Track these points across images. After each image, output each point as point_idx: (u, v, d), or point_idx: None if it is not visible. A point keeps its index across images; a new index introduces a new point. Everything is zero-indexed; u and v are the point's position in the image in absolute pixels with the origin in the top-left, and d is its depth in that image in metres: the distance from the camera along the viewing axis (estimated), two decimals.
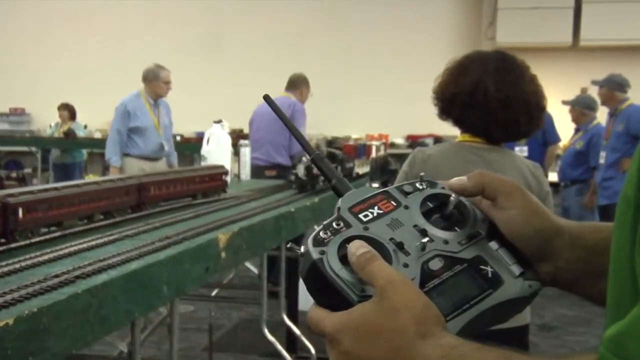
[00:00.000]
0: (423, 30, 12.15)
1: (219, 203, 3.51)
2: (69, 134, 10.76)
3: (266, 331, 4.10)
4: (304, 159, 3.96)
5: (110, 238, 2.42)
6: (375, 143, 8.53)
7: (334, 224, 0.86)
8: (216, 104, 11.12)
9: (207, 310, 5.45)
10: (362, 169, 5.75)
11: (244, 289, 6.02)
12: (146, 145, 6.87)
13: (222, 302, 5.75)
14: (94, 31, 12.49)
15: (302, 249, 0.84)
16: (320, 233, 0.84)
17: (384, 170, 5.42)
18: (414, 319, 0.73)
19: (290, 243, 0.89)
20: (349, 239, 0.83)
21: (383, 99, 11.93)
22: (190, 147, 10.44)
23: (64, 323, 1.62)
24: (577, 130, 7.57)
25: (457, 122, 2.51)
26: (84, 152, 11.15)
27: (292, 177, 4.02)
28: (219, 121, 4.67)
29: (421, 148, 2.57)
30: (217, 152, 4.46)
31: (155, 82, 6.96)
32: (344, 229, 0.85)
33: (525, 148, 7.58)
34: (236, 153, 5.07)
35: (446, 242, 0.86)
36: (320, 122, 11.55)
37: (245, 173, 5.04)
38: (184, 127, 11.64)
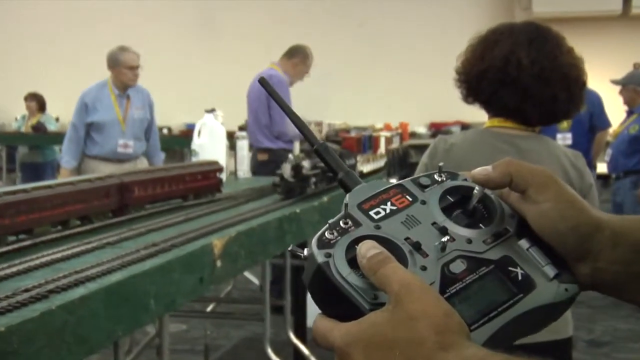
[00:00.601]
0: (448, 2, 12.16)
1: (213, 204, 3.53)
2: (39, 128, 10.79)
3: (270, 352, 4.12)
4: (290, 156, 3.82)
5: (89, 246, 2.45)
6: (385, 134, 7.68)
7: (341, 222, 0.86)
8: (209, 91, 11.15)
9: (202, 328, 5.48)
10: (367, 166, 5.49)
11: (244, 304, 6.05)
12: (105, 144, 6.59)
13: (219, 318, 5.77)
14: (68, 9, 12.54)
15: (306, 251, 0.85)
16: (326, 233, 0.85)
17: (403, 163, 5.43)
18: (433, 328, 0.74)
19: (292, 246, 0.90)
20: (359, 240, 0.83)
21: (402, 82, 11.94)
22: (179, 141, 10.49)
23: (37, 344, 1.64)
24: (630, 113, 7.52)
25: (486, 104, 2.51)
26: (57, 149, 11.17)
27: (277, 180, 3.73)
28: (212, 110, 4.69)
29: (443, 136, 2.57)
30: (210, 146, 4.48)
31: (116, 68, 6.66)
32: (352, 228, 0.85)
33: (569, 135, 7.56)
34: (232, 147, 5.09)
35: (469, 241, 0.86)
36: (327, 109, 11.59)
37: (243, 170, 5.05)
38: (172, 119, 11.69)
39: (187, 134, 9.74)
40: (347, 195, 0.91)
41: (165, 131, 11.84)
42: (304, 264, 0.88)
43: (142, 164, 6.73)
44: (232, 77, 11.39)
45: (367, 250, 0.80)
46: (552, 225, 0.86)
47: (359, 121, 11.43)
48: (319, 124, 8.83)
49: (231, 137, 5.29)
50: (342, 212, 0.88)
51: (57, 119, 11.61)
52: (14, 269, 2.13)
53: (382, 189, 0.91)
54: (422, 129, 12.13)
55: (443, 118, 11.73)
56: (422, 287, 0.77)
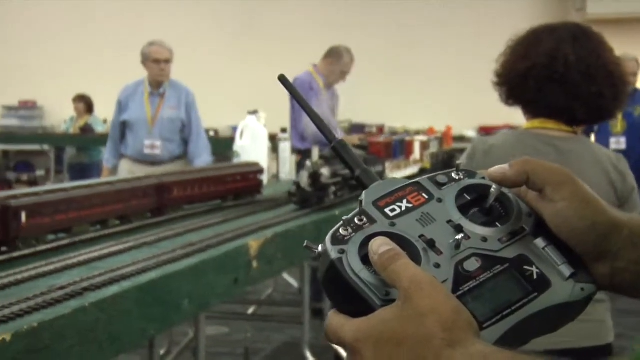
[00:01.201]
0: (500, 3, 12.06)
1: (252, 206, 3.56)
2: (86, 130, 10.97)
3: (309, 356, 4.13)
4: (307, 163, 3.54)
5: (126, 246, 2.49)
6: (420, 138, 7.12)
7: (355, 219, 0.87)
8: (253, 92, 11.21)
9: (244, 331, 5.51)
10: (397, 173, 5.27)
11: (285, 306, 6.06)
12: (135, 144, 6.40)
13: (260, 322, 5.79)
14: (113, 12, 12.73)
15: (320, 247, 0.86)
16: (340, 230, 0.86)
17: (447, 167, 5.35)
18: (441, 325, 0.75)
19: (306, 242, 0.91)
20: (373, 237, 0.84)
21: (449, 83, 11.87)
22: (226, 143, 10.56)
23: (68, 341, 1.67)
24: None
25: (531, 104, 2.49)
26: (103, 150, 11.33)
27: (293, 189, 3.49)
28: (254, 112, 4.73)
29: (482, 137, 2.57)
30: (252, 147, 4.52)
31: (146, 63, 6.44)
32: (367, 225, 0.86)
33: (623, 139, 7.43)
34: (274, 149, 5.12)
35: (485, 239, 0.87)
36: (369, 111, 11.59)
37: (285, 171, 5.08)
38: (219, 121, 11.80)
39: (233, 136, 9.80)
40: (364, 192, 0.92)
41: (212, 133, 11.97)
42: (318, 260, 0.90)
43: (175, 166, 6.25)
44: (276, 79, 11.42)
45: (379, 246, 0.81)
46: (569, 224, 0.87)
47: (410, 125, 11.42)
48: (381, 128, 8.78)
49: (274, 139, 5.32)
50: (357, 209, 0.89)
51: (104, 121, 11.78)
52: (52, 267, 2.18)
53: (398, 187, 0.91)
54: (471, 132, 12.04)
55: (493, 121, 11.61)
56: (431, 283, 0.78)
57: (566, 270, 0.86)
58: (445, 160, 5.62)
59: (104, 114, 11.78)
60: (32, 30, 12.77)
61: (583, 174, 2.47)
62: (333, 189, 3.53)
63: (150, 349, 2.49)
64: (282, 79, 1.08)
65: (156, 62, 6.29)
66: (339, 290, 0.84)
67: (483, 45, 12.16)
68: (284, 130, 5.66)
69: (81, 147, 11.00)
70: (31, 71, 12.58)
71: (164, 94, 6.43)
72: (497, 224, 0.89)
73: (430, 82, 12.11)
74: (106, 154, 6.73)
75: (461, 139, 11.39)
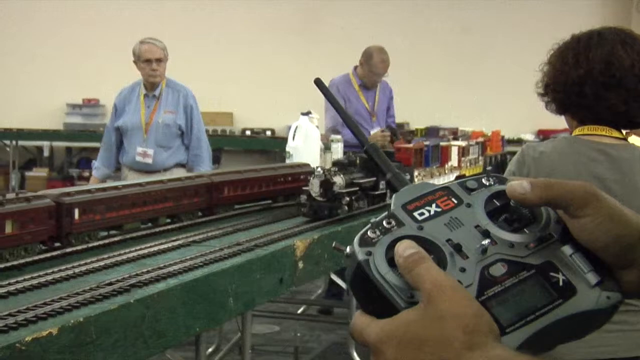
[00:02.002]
0: (561, 5, 11.90)
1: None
2: None
3: (356, 357, 4.12)
4: (317, 169, 3.13)
5: (174, 244, 2.53)
6: (458, 143, 6.29)
7: (384, 222, 0.88)
8: (308, 93, 11.25)
9: (294, 330, 5.54)
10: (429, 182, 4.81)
11: (336, 307, 6.07)
12: (130, 151, 5.87)
13: (310, 321, 5.81)
14: (175, 9, 12.90)
15: (348, 249, 0.87)
16: (368, 232, 0.87)
17: (500, 172, 5.24)
18: (462, 328, 0.76)
19: (335, 242, 0.93)
20: (400, 239, 0.85)
21: (510, 88, 11.73)
22: (281, 143, 10.65)
23: (114, 336, 1.71)
24: None
25: (587, 111, 2.45)
26: None
27: (302, 199, 3.10)
28: (307, 113, 4.73)
29: (531, 144, 2.54)
30: (304, 148, 4.52)
31: (137, 63, 5.87)
32: (395, 227, 0.87)
33: None
34: (328, 149, 5.12)
35: (512, 245, 0.87)
36: (427, 113, 11.54)
37: None
38: (275, 121, 11.89)
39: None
40: (393, 195, 0.93)
41: (268, 133, 12.06)
42: (346, 261, 0.91)
43: (171, 174, 5.51)
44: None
45: (404, 249, 0.83)
46: (594, 237, 0.87)
47: (469, 127, 11.34)
48: (454, 132, 8.62)
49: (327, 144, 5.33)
50: (386, 212, 0.90)
51: None
52: (102, 263, 2.22)
53: (428, 191, 0.93)
54: (529, 136, 11.88)
55: (552, 125, 11.45)
56: (453, 287, 0.79)
57: (592, 278, 0.86)
58: (497, 165, 5.50)
59: None
60: (96, 31, 13.01)
61: (634, 181, 2.44)
62: (347, 199, 3.09)
63: (196, 345, 2.52)
64: (318, 82, 1.10)
65: (147, 62, 5.78)
66: (365, 291, 0.85)
67: (543, 47, 12.04)
68: (336, 132, 5.66)
69: None
70: (95, 70, 12.80)
71: (160, 96, 5.89)
72: (525, 230, 0.89)
73: (488, 85, 12.01)
74: (96, 162, 6.12)
75: (519, 141, 11.26)
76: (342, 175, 3.12)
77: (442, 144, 5.94)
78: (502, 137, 7.15)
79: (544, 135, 11.63)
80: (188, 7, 12.96)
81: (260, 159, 11.76)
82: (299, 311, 5.04)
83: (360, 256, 0.84)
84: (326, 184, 3.03)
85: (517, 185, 0.89)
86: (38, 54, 13.02)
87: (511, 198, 0.90)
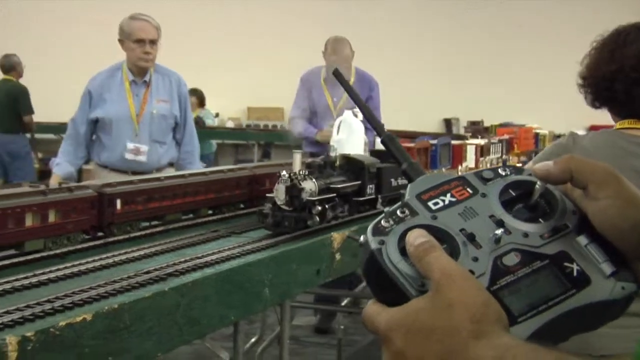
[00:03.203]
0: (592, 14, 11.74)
1: None
2: (197, 123, 11.22)
3: None
4: (283, 173, 2.51)
5: (214, 234, 2.55)
6: (476, 141, 5.33)
7: (398, 211, 0.88)
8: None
9: (337, 324, 5.54)
10: None
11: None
12: (114, 148, 4.85)
13: (357, 314, 5.79)
14: (226, 7, 13.01)
15: (362, 238, 0.87)
16: (382, 222, 0.87)
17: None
18: (470, 317, 0.76)
19: (349, 231, 0.93)
20: (413, 229, 0.85)
21: (558, 80, 11.57)
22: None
23: (148, 323, 1.73)
24: None
25: (620, 105, 2.42)
26: (214, 143, 11.58)
27: (266, 208, 2.54)
28: (352, 107, 4.73)
29: (576, 133, 2.50)
30: (348, 141, 4.51)
31: (125, 42, 4.87)
32: (408, 217, 0.87)
33: None
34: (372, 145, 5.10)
35: (526, 235, 0.86)
36: (473, 108, 11.46)
37: None
38: None
39: None
40: (408, 185, 0.93)
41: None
42: (360, 250, 0.91)
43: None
44: (388, 78, 11.49)
45: (415, 238, 0.82)
46: (612, 222, 0.85)
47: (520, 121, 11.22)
48: (528, 129, 8.40)
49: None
50: (401, 202, 0.90)
51: (216, 115, 12.03)
52: (142, 252, 2.25)
53: (444, 180, 0.92)
54: (581, 132, 11.72)
55: (604, 121, 11.29)
56: (463, 276, 0.79)
57: (607, 268, 0.85)
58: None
59: (216, 108, 12.07)
60: None
61: None
62: (318, 208, 2.49)
63: (234, 335, 2.53)
64: (336, 73, 1.10)
65: (139, 42, 4.77)
66: (377, 280, 0.85)
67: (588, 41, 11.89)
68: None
69: None
70: None
71: (149, 83, 4.93)
72: (540, 220, 0.88)
73: (539, 80, 11.90)
74: (58, 158, 4.99)
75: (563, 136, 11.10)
76: (314, 180, 2.53)
77: (453, 142, 5.10)
78: (536, 134, 6.07)
79: (596, 130, 11.45)
80: (249, 6, 13.06)
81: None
82: (343, 303, 5.02)
83: (373, 245, 0.84)
84: (293, 191, 2.47)
85: (541, 164, 0.89)
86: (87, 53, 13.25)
87: (537, 176, 0.89)
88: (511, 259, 0.84)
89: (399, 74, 12.47)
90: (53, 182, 4.30)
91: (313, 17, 12.61)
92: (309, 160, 2.83)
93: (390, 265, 0.83)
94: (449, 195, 0.90)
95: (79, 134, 4.89)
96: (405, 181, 2.94)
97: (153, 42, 4.82)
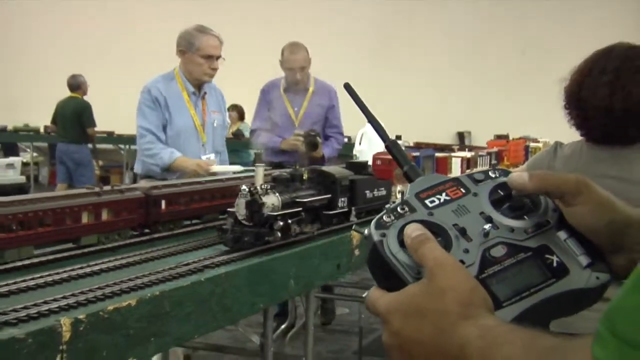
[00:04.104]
0: (612, 27, 11.61)
1: None
2: (237, 135, 11.30)
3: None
4: (243, 187, 2.19)
5: None
6: (462, 154, 4.66)
7: (398, 208, 0.89)
8: (374, 104, 11.29)
9: (358, 313, 5.51)
10: None
11: None
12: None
13: None
14: (262, 29, 13.06)
15: (366, 231, 0.88)
16: (384, 217, 0.88)
17: None
18: (459, 301, 0.77)
19: (354, 225, 0.94)
20: (411, 223, 0.85)
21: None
22: (352, 148, 10.75)
23: (185, 309, 1.74)
24: None
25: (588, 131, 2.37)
26: (252, 152, 11.64)
27: (228, 223, 2.20)
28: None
29: (561, 142, 2.48)
30: (368, 151, 4.52)
31: (188, 54, 4.31)
32: (407, 213, 0.88)
33: None
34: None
35: (512, 230, 0.87)
36: (491, 121, 11.39)
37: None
38: (351, 128, 11.98)
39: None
40: (409, 185, 0.94)
41: (345, 140, 12.11)
42: (364, 242, 0.92)
43: None
44: (406, 95, 11.50)
45: (412, 231, 0.84)
46: (585, 223, 0.87)
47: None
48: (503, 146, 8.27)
49: None
50: (400, 200, 0.91)
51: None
52: (183, 247, 2.27)
53: (440, 181, 0.93)
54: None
55: None
56: (453, 265, 0.80)
57: (584, 260, 0.86)
58: None
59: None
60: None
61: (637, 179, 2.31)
62: (280, 224, 2.14)
63: (264, 321, 2.54)
64: (347, 87, 1.10)
65: (208, 58, 4.31)
66: (379, 268, 0.86)
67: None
68: (398, 137, 5.65)
69: (233, 149, 11.34)
70: None
71: (204, 95, 4.49)
72: (525, 217, 0.89)
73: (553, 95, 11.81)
74: (169, 151, 4.19)
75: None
76: (277, 194, 2.20)
77: (437, 155, 4.40)
78: (527, 146, 5.23)
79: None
80: (288, 27, 13.13)
81: (338, 161, 11.83)
82: (364, 295, 5.00)
83: (376, 237, 0.85)
84: (253, 205, 2.13)
85: (517, 176, 0.89)
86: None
87: (512, 188, 0.90)
88: (498, 251, 0.85)
89: (418, 90, 12.46)
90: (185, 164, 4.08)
91: (342, 34, 12.63)
92: (276, 173, 2.41)
93: (390, 255, 0.84)
94: (444, 194, 0.91)
95: (161, 139, 4.25)
96: (382, 192, 2.69)
97: (218, 58, 4.40)
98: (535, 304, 0.82)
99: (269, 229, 2.13)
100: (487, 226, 0.86)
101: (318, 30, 12.62)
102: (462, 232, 0.86)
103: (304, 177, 2.40)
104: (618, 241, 0.86)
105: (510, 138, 9.54)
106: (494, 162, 4.72)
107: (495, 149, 4.21)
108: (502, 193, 0.91)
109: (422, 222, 0.86)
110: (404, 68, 12.42)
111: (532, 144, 5.15)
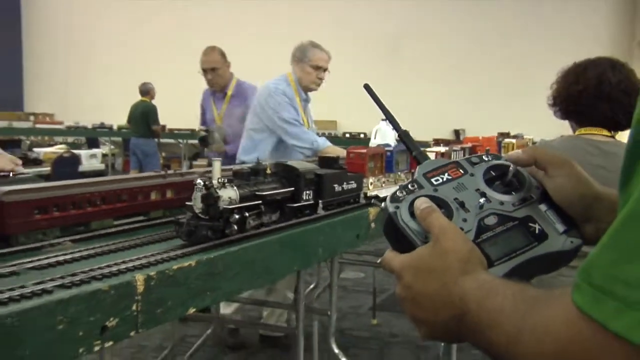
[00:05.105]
0: (573, 44, 11.45)
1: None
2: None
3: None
4: (198, 181, 1.77)
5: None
6: (436, 149, 3.53)
7: (409, 185, 0.90)
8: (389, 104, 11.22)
9: (373, 276, 5.52)
10: (382, 191, 2.64)
11: None
12: (295, 155, 4.12)
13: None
14: (274, 34, 12.96)
15: (383, 204, 0.90)
16: (397, 192, 0.90)
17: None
18: (459, 260, 0.77)
19: (373, 199, 0.96)
20: (420, 197, 0.87)
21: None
22: (361, 142, 10.77)
23: (234, 270, 1.75)
24: None
25: (584, 117, 2.40)
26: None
27: (187, 217, 1.78)
28: (384, 119, 4.70)
29: (546, 140, 2.50)
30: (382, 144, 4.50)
31: (301, 64, 4.29)
32: (417, 189, 0.90)
33: None
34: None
35: (502, 203, 0.88)
36: (480, 120, 11.28)
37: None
38: (363, 124, 11.95)
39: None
40: (417, 167, 0.95)
41: (362, 135, 12.07)
42: (381, 213, 0.94)
43: None
44: (410, 95, 11.42)
45: (421, 204, 0.85)
46: (564, 194, 0.87)
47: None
48: (478, 142, 8.18)
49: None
50: (411, 179, 0.93)
51: None
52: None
53: (442, 164, 0.95)
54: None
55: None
56: (454, 231, 0.81)
57: (560, 228, 0.86)
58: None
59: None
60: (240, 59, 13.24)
61: (618, 168, 2.35)
62: (236, 217, 1.77)
63: (297, 281, 2.55)
64: (366, 87, 1.10)
65: (317, 68, 4.31)
66: (393, 234, 0.88)
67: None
68: (406, 132, 5.55)
69: None
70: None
71: (308, 101, 4.50)
72: (513, 192, 0.90)
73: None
74: (323, 139, 4.34)
75: None
76: (235, 188, 1.83)
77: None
78: (499, 141, 4.82)
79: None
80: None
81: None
82: (378, 261, 5.01)
83: (391, 209, 0.87)
84: (209, 199, 1.75)
85: (514, 152, 0.92)
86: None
87: (510, 161, 0.91)
88: (490, 220, 0.86)
89: (420, 92, 12.35)
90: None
91: (357, 42, 12.54)
92: (237, 167, 2.09)
93: (402, 223, 0.85)
94: (446, 174, 0.92)
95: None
96: (352, 185, 2.48)
97: (325, 70, 4.38)
98: (520, 263, 0.82)
99: (225, 222, 1.75)
100: (481, 200, 0.87)
101: (338, 40, 12.57)
102: (461, 205, 0.87)
103: (267, 171, 2.05)
104: (588, 212, 0.86)
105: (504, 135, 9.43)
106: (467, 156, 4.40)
107: (469, 145, 3.68)
108: (493, 173, 0.92)
109: (428, 196, 0.87)
110: (408, 74, 12.34)
111: (505, 140, 4.95)
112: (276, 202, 1.99)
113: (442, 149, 4.04)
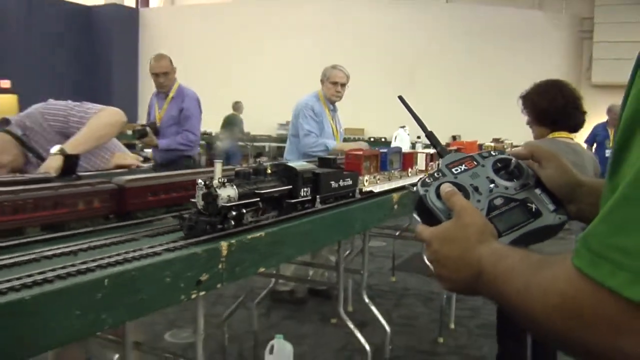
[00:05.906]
0: (527, 71, 11.10)
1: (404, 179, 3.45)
2: None
3: (426, 260, 3.96)
4: (199, 181, 1.47)
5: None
6: (426, 151, 3.05)
7: (435, 174, 0.89)
8: (403, 113, 11.03)
9: (392, 245, 5.47)
10: (377, 186, 2.38)
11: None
12: None
13: (403, 240, 5.72)
14: (285, 59, 12.81)
15: (414, 188, 0.89)
16: (426, 179, 0.89)
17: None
18: (476, 231, 0.76)
19: (406, 185, 0.96)
20: (444, 183, 0.87)
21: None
22: (379, 144, 10.69)
23: (292, 240, 1.73)
24: None
25: (560, 123, 2.44)
26: None
27: (190, 213, 1.46)
28: (403, 126, 4.60)
29: (531, 141, 2.47)
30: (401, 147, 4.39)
31: (324, 82, 4.28)
32: (441, 177, 0.89)
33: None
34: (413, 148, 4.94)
35: (506, 188, 0.87)
36: (477, 127, 11.02)
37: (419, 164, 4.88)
38: (386, 130, 11.83)
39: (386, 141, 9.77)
40: (441, 159, 0.94)
41: (383, 139, 11.96)
42: (412, 195, 0.94)
43: None
44: (420, 106, 11.23)
45: (445, 188, 0.84)
46: (553, 181, 0.87)
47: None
48: (462, 145, 7.91)
49: (413, 145, 5.16)
50: (437, 168, 0.91)
51: None
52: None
53: (461, 157, 0.92)
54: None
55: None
56: (472, 209, 0.80)
57: (551, 207, 0.85)
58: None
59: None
60: (296, 69, 13.19)
61: (583, 161, 2.42)
62: (234, 213, 1.50)
63: (338, 250, 2.52)
64: (400, 98, 1.08)
65: (335, 84, 4.23)
66: (423, 212, 0.86)
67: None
68: (418, 137, 5.46)
69: None
70: (291, 98, 13.02)
71: (337, 111, 4.42)
72: (514, 179, 0.88)
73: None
74: (331, 141, 4.17)
75: None
76: (234, 186, 1.55)
77: (405, 151, 3.16)
78: (480, 145, 4.34)
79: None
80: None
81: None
82: (397, 234, 4.94)
83: (421, 192, 0.86)
84: (208, 197, 1.48)
85: (516, 148, 0.91)
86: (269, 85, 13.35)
87: (512, 155, 0.90)
88: (498, 201, 0.84)
89: (426, 104, 12.13)
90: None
91: (372, 60, 12.38)
92: (239, 168, 1.78)
93: (431, 203, 0.83)
94: (463, 165, 0.90)
95: (318, 136, 4.02)
96: (347, 182, 2.32)
97: (343, 85, 4.25)
98: (522, 234, 0.81)
99: (223, 218, 1.50)
100: (491, 185, 0.86)
101: (355, 58, 12.42)
102: (476, 189, 0.85)
103: (267, 171, 1.81)
104: (571, 195, 0.86)
105: (490, 140, 9.17)
106: None
107: (455, 148, 3.50)
108: (499, 165, 0.90)
109: (451, 182, 0.85)
110: (416, 87, 12.14)
111: (486, 143, 4.76)
112: (275, 199, 1.75)
113: (431, 151, 3.80)
